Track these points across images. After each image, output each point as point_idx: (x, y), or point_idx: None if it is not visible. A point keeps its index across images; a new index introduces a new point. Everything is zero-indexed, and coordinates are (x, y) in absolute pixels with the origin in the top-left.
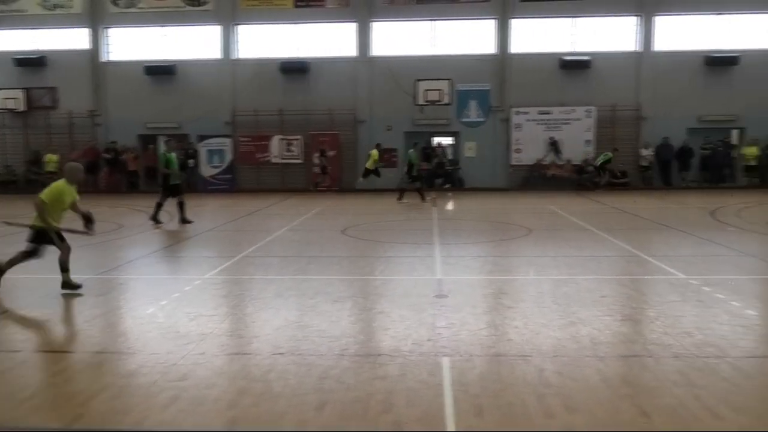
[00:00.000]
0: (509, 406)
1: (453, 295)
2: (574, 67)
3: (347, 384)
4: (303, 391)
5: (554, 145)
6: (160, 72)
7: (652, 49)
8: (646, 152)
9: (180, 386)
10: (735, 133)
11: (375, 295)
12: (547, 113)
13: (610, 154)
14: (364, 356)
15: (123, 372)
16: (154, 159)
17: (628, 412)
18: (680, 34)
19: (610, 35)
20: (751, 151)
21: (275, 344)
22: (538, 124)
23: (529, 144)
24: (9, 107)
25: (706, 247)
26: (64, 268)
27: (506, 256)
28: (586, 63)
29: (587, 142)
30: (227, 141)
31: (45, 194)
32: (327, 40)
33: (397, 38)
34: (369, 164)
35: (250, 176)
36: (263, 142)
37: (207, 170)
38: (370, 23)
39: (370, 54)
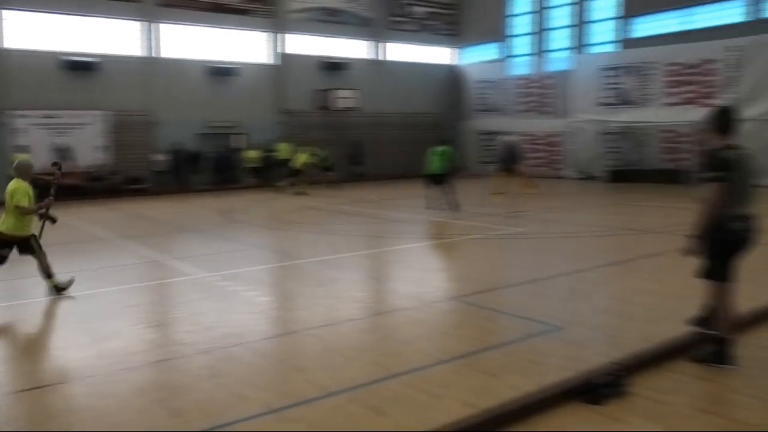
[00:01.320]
0: None
1: None
2: (81, 68)
3: None
4: None
5: (63, 152)
6: None
7: (160, 55)
8: (160, 157)
9: None
10: (238, 138)
11: None
12: (54, 117)
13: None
14: None
15: None
16: None
17: (162, 415)
18: (186, 43)
19: (118, 38)
20: (253, 154)
21: None
22: (44, 128)
23: (34, 150)
24: None
25: (221, 244)
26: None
27: (16, 278)
28: (93, 65)
29: (99, 148)
30: None
31: (21, 197)
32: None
33: None
34: None
35: None
36: None
37: None
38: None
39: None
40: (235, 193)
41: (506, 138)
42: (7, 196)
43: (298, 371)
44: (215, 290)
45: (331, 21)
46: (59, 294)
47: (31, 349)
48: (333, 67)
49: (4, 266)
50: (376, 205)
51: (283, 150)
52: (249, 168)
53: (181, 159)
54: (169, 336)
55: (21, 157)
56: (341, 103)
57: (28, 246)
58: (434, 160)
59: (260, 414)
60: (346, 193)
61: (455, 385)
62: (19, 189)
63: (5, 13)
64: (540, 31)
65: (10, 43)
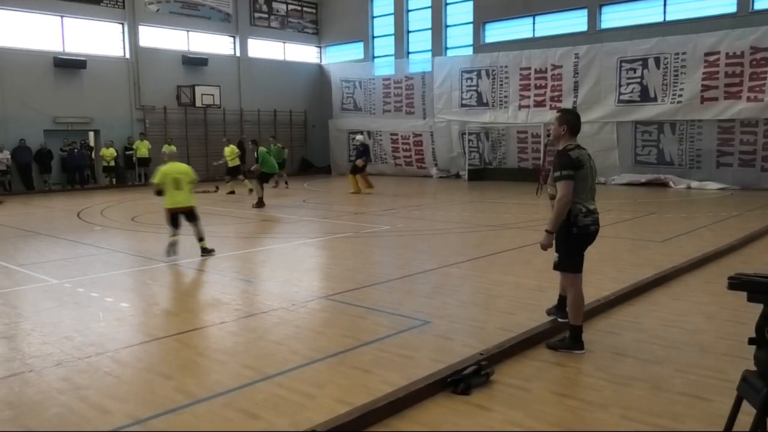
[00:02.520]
0: None
1: None
2: None
3: None
4: None
5: None
6: None
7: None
8: (2, 155)
9: None
10: (92, 135)
11: None
12: None
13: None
14: None
15: None
16: None
17: None
18: (27, 32)
19: None
20: (109, 152)
21: None
22: None
23: None
24: None
25: (76, 248)
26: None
27: None
28: None
29: None
30: None
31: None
32: None
33: None
34: None
35: None
36: None
37: None
38: None
39: None
40: (91, 194)
41: (358, 136)
42: (183, 176)
43: (165, 379)
44: (71, 297)
45: (190, 15)
46: (208, 255)
47: None
48: (194, 62)
49: None
50: (241, 204)
51: (141, 147)
52: (106, 167)
53: (27, 157)
54: (17, 348)
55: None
56: (204, 100)
57: (194, 214)
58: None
59: (124, 426)
60: (215, 194)
61: (328, 384)
62: (189, 169)
63: None
64: (401, 32)
65: None
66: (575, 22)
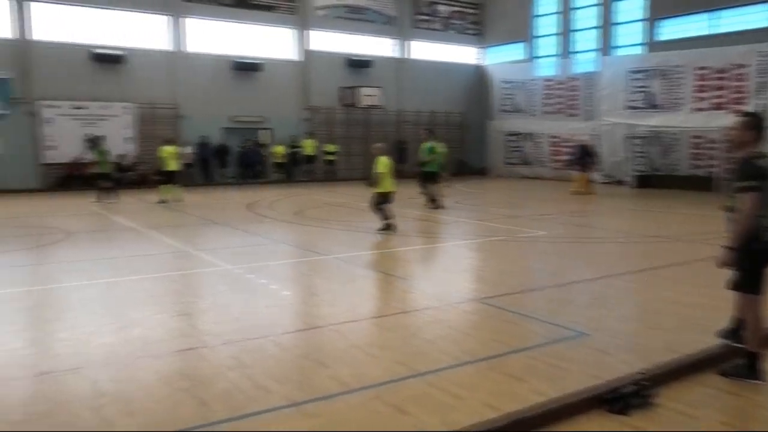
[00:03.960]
0: (63, 425)
1: None
2: (107, 60)
3: None
4: None
5: (92, 142)
6: None
7: (185, 49)
8: (187, 150)
9: None
10: (264, 133)
11: None
12: (82, 108)
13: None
14: None
15: None
16: None
17: (187, 404)
18: (209, 38)
19: (144, 32)
20: (279, 150)
21: None
22: (73, 119)
23: (64, 141)
24: None
25: (247, 237)
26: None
27: (44, 263)
28: (120, 58)
29: (127, 139)
30: None
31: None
32: None
33: None
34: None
35: None
36: None
37: None
38: None
39: None
40: (261, 188)
41: (581, 139)
42: (387, 168)
43: (321, 366)
44: (240, 283)
45: (355, 18)
46: (388, 232)
47: (56, 334)
48: (357, 64)
49: None
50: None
51: (307, 146)
52: (275, 163)
53: (208, 152)
54: (194, 326)
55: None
56: (366, 101)
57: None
58: (429, 156)
59: (282, 407)
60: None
61: (478, 387)
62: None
63: (34, 5)
64: (566, 32)
65: (39, 35)
66: (759, 17)
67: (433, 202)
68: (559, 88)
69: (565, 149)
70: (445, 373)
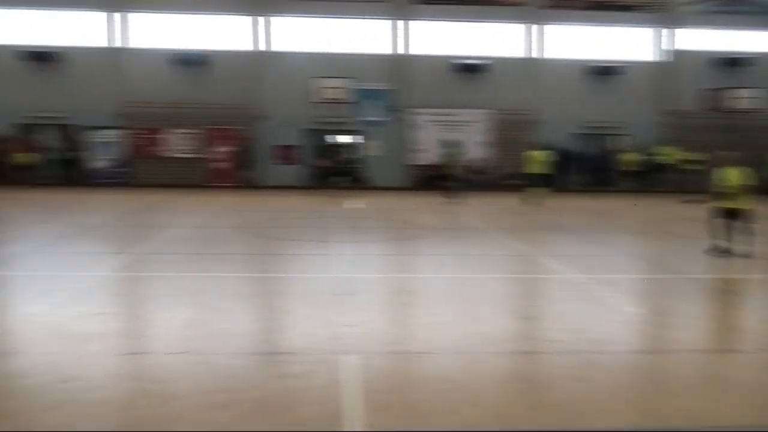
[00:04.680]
0: (414, 403)
1: (357, 294)
2: (471, 70)
3: (250, 383)
4: (205, 390)
5: (453, 146)
6: (41, 58)
7: (542, 55)
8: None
9: (69, 388)
10: (616, 139)
11: (278, 294)
12: (446, 115)
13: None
14: (266, 355)
15: (7, 373)
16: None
17: (519, 406)
18: (568, 42)
19: (504, 41)
20: (631, 157)
21: (175, 344)
22: (436, 125)
23: (427, 145)
24: None
25: (593, 247)
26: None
27: (408, 254)
28: (483, 67)
29: (483, 144)
30: (119, 133)
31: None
32: (224, 32)
33: (296, 34)
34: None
35: (145, 170)
36: (158, 136)
37: (97, 163)
38: (268, 17)
39: (269, 48)
40: (609, 196)
41: None
42: (739, 180)
43: (669, 395)
44: (582, 292)
45: (730, 12)
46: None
47: (415, 318)
48: (731, 63)
49: None
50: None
51: (668, 153)
52: (625, 171)
53: (564, 158)
54: (535, 330)
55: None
56: (740, 104)
57: (752, 217)
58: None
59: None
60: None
61: None
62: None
63: (412, 24)
64: None
65: (415, 50)
66: None
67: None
68: None
69: None
70: None
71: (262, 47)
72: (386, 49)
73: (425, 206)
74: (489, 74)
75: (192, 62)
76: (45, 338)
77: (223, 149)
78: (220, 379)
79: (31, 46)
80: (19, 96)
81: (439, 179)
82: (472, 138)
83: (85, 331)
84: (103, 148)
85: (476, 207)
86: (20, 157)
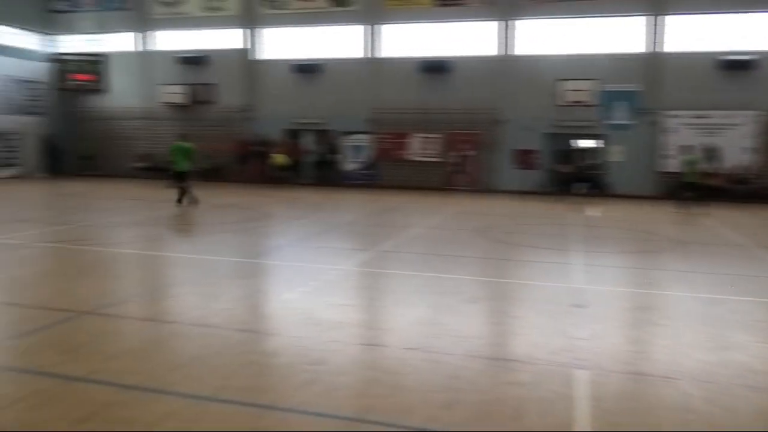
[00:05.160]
0: (646, 427)
1: (592, 306)
2: (735, 67)
3: (477, 386)
4: (433, 388)
5: (710, 153)
6: (307, 70)
7: None
8: None
9: (315, 370)
10: None
11: (510, 299)
12: (703, 117)
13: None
14: (496, 360)
15: (264, 351)
16: (298, 152)
17: None
18: None
19: None
20: None
21: (408, 339)
22: (692, 128)
23: (680, 150)
24: (173, 101)
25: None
26: None
27: (651, 268)
28: (750, 63)
29: (748, 149)
30: (368, 137)
31: None
32: (468, 38)
33: (540, 37)
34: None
35: (390, 172)
36: (402, 140)
37: (348, 165)
38: (513, 21)
39: (512, 52)
40: None
41: None
42: None
43: None
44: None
45: None
46: None
47: (657, 339)
48: None
49: None
50: None
51: None
52: None
53: None
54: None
55: None
56: None
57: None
58: None
59: None
60: None
61: None
62: None
63: (668, 18)
64: None
65: (669, 47)
66: None
67: None
68: None
69: None
70: None
71: (505, 51)
72: (637, 48)
73: (671, 217)
74: (755, 71)
75: (436, 69)
76: (296, 323)
77: (463, 153)
78: (448, 378)
79: (299, 60)
80: (289, 104)
81: (684, 188)
82: (735, 143)
83: (330, 320)
84: (354, 152)
85: (733, 219)
86: (279, 159)
